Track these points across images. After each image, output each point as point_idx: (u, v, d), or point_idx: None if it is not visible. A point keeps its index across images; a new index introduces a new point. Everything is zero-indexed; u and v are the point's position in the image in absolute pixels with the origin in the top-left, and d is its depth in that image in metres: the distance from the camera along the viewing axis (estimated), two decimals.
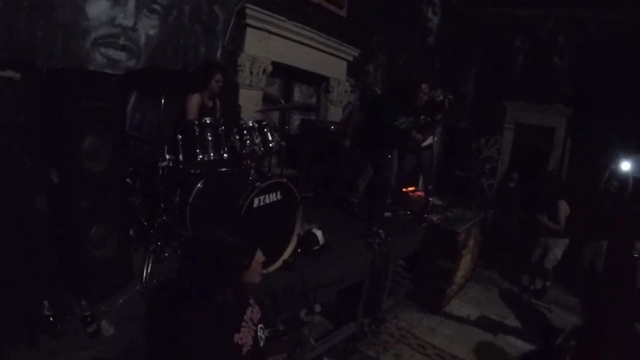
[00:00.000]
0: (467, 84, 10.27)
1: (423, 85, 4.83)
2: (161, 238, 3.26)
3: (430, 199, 5.97)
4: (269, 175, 3.86)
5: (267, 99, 5.65)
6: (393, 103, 4.80)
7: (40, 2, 3.32)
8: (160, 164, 3.31)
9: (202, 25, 4.64)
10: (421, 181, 7.14)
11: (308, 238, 3.91)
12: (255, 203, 3.23)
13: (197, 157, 3.35)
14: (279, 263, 3.50)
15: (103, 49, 3.84)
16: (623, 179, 6.56)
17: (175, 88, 3.68)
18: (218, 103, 4.24)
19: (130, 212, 3.25)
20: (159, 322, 1.75)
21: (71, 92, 2.36)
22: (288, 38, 5.62)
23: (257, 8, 4.99)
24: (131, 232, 3.23)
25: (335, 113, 6.88)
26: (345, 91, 6.99)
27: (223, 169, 3.62)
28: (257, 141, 3.66)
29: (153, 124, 4.18)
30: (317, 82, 6.77)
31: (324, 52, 6.30)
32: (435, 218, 5.62)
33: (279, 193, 3.48)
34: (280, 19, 5.33)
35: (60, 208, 2.43)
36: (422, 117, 5.24)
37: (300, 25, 5.69)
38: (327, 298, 3.96)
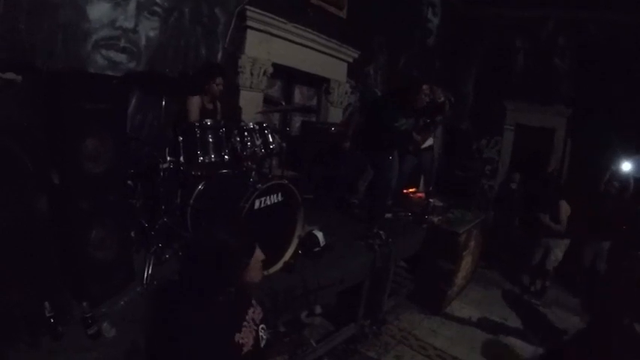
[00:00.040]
0: (467, 85, 10.27)
1: (424, 87, 4.83)
2: (162, 239, 3.26)
3: (431, 200, 5.98)
4: (270, 176, 3.85)
5: (267, 101, 5.65)
6: (394, 104, 4.80)
7: (40, 4, 3.33)
8: (160, 166, 3.30)
9: (203, 26, 4.65)
10: (422, 182, 7.14)
11: (309, 240, 3.91)
12: (256, 205, 3.24)
13: (198, 159, 3.35)
14: (279, 265, 3.50)
15: (103, 51, 3.85)
16: (623, 180, 6.56)
17: (176, 89, 3.68)
18: (219, 105, 4.25)
19: (130, 214, 3.25)
20: (159, 322, 1.76)
21: (72, 94, 2.36)
22: (288, 40, 5.62)
23: (257, 10, 5.00)
24: (132, 234, 3.23)
25: (335, 115, 6.88)
26: (346, 93, 6.99)
27: (224, 171, 3.62)
28: (258, 142, 3.65)
29: (153, 126, 4.18)
30: (317, 83, 6.77)
31: (325, 53, 6.31)
32: (435, 219, 5.62)
33: (280, 194, 3.48)
34: (281, 21, 5.33)
35: (61, 210, 2.44)
36: (422, 118, 5.25)
37: (301, 27, 5.69)
38: (328, 299, 3.96)
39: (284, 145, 4.01)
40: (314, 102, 6.94)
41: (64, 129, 2.36)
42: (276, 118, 6.25)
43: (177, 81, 4.07)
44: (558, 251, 6.12)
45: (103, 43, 3.83)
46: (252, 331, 1.79)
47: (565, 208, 5.99)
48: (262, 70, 5.29)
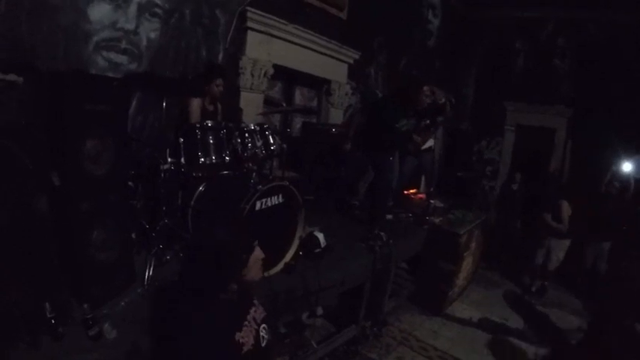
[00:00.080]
0: (467, 86, 10.29)
1: (425, 88, 4.83)
2: (163, 240, 3.26)
3: (432, 201, 5.98)
4: (271, 177, 3.85)
5: (268, 102, 5.65)
6: (395, 105, 4.81)
7: (41, 5, 3.33)
8: (161, 167, 3.31)
9: (203, 28, 4.65)
10: (423, 183, 7.14)
11: (309, 241, 3.91)
12: (257, 206, 3.24)
13: (199, 160, 3.35)
14: (280, 266, 3.50)
15: (104, 53, 3.85)
16: (624, 180, 6.56)
17: (177, 91, 3.69)
18: (219, 106, 4.25)
19: (131, 215, 3.26)
20: (159, 322, 1.76)
21: (73, 95, 2.36)
22: (289, 41, 5.62)
23: (258, 11, 5.00)
24: (133, 235, 3.23)
25: (336, 116, 6.88)
26: (346, 94, 6.99)
27: (225, 172, 3.63)
28: (258, 144, 3.65)
29: (154, 127, 4.18)
30: (318, 84, 6.77)
31: (325, 54, 6.31)
32: (436, 220, 5.62)
33: (280, 196, 3.48)
34: (281, 22, 5.33)
35: (61, 211, 2.43)
36: (423, 119, 5.25)
37: (301, 28, 5.69)
38: (329, 300, 3.95)
39: (285, 146, 4.01)
40: (314, 103, 6.93)
41: (65, 130, 2.36)
42: (276, 119, 6.26)
43: (178, 82, 4.08)
44: (560, 252, 6.14)
45: (104, 44, 3.83)
46: (253, 331, 1.79)
47: (566, 208, 6.01)
48: (263, 72, 5.29)
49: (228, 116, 4.31)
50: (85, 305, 2.26)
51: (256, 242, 1.82)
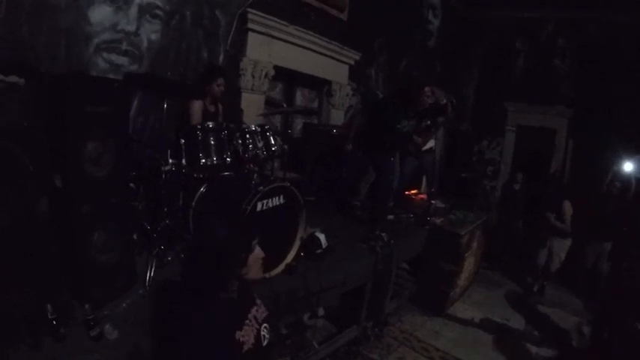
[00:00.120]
0: (468, 86, 10.30)
1: (426, 89, 4.84)
2: (164, 242, 3.26)
3: (433, 201, 5.98)
4: (272, 178, 3.85)
5: (269, 103, 5.66)
6: (395, 106, 4.81)
7: (42, 7, 3.34)
8: (162, 168, 3.30)
9: (204, 29, 4.66)
10: (424, 183, 7.14)
11: (311, 242, 3.91)
12: (259, 207, 3.23)
13: (200, 162, 3.35)
14: (282, 267, 3.49)
15: (105, 54, 3.86)
16: (625, 180, 6.55)
17: (178, 92, 3.69)
18: (220, 107, 4.25)
19: (133, 216, 3.25)
20: (161, 323, 1.77)
21: (74, 97, 2.36)
22: (289, 42, 5.63)
23: (259, 13, 5.01)
24: (134, 236, 3.23)
25: (337, 117, 6.88)
26: (347, 95, 6.99)
27: (226, 173, 3.63)
28: (260, 145, 3.66)
29: (155, 129, 4.19)
30: (319, 85, 6.78)
31: (326, 55, 6.32)
32: (437, 221, 5.62)
33: (282, 197, 3.48)
34: (282, 24, 5.34)
35: (63, 213, 2.44)
36: (424, 120, 5.25)
37: (302, 29, 5.70)
38: (330, 301, 3.95)
39: (286, 147, 4.01)
40: (315, 104, 6.94)
41: (66, 132, 2.37)
42: (277, 120, 6.27)
43: (179, 84, 4.08)
44: (561, 252, 6.15)
45: (105, 46, 3.84)
46: (254, 330, 1.79)
47: (569, 208, 6.01)
48: (264, 73, 5.30)
49: (229, 117, 4.31)
50: (87, 306, 2.27)
51: (256, 241, 1.82)
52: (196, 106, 3.87)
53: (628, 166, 6.92)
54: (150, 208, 3.53)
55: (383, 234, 4.54)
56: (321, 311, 4.03)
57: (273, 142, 3.78)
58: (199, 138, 3.37)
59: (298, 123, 6.55)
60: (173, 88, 3.56)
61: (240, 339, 1.71)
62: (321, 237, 3.97)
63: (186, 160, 3.36)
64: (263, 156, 3.70)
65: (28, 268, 2.19)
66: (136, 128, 4.07)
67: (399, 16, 7.72)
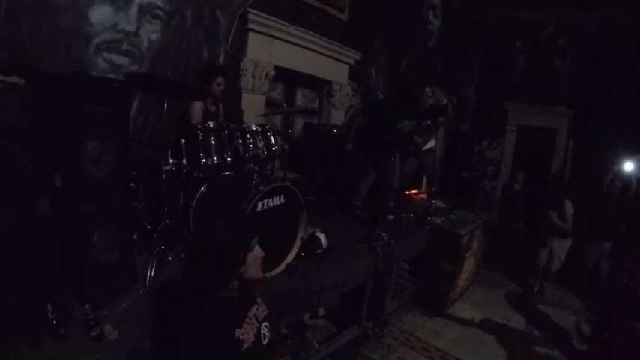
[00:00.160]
0: (468, 87, 10.30)
1: (427, 89, 4.83)
2: (164, 241, 3.26)
3: (433, 201, 5.98)
4: (272, 178, 3.85)
5: (269, 103, 5.66)
6: (396, 106, 4.80)
7: (43, 7, 3.34)
8: (163, 168, 3.30)
9: (204, 30, 4.66)
10: (424, 183, 7.14)
11: (311, 242, 3.91)
12: (259, 207, 3.23)
13: (200, 161, 3.35)
14: (282, 267, 3.49)
15: (105, 54, 3.86)
16: (625, 180, 6.55)
17: (178, 93, 3.69)
18: (221, 107, 4.25)
19: (133, 216, 3.25)
20: (161, 323, 1.77)
21: (74, 97, 2.36)
22: (290, 42, 5.63)
23: (259, 13, 5.01)
24: (134, 236, 3.23)
25: (337, 117, 6.88)
26: (347, 95, 7.00)
27: (226, 173, 3.63)
28: (260, 145, 3.66)
29: (156, 129, 4.19)
30: (319, 85, 6.78)
31: (326, 55, 6.32)
32: (438, 221, 5.62)
33: (282, 196, 3.48)
34: (282, 24, 5.34)
35: (63, 213, 2.44)
36: (424, 120, 5.25)
37: (302, 30, 5.71)
38: (331, 301, 3.95)
39: (286, 147, 4.01)
40: (316, 104, 6.94)
41: (66, 132, 2.37)
42: (278, 120, 6.27)
43: (179, 85, 4.08)
44: (562, 252, 6.16)
45: (105, 46, 3.84)
46: (254, 328, 1.80)
47: (570, 208, 6.02)
48: (264, 73, 5.30)
49: (229, 117, 4.31)
50: (87, 306, 2.27)
51: (255, 240, 1.83)
52: (197, 106, 3.87)
53: (628, 166, 6.92)
54: (150, 207, 3.53)
55: (383, 234, 4.55)
56: (321, 311, 4.03)
57: (273, 142, 3.78)
58: (200, 138, 3.37)
59: (299, 123, 6.55)
60: (173, 89, 3.55)
61: (240, 337, 1.72)
62: (322, 237, 3.97)
63: (186, 160, 3.36)
64: (263, 156, 3.70)
65: (28, 268, 2.19)
66: (136, 128, 4.07)
67: (400, 16, 7.73)
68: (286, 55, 5.61)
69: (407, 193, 6.54)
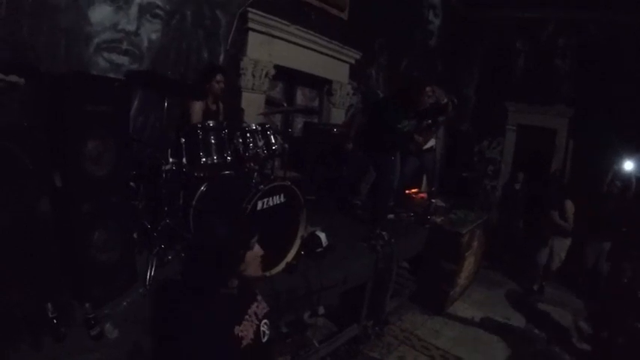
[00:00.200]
0: (468, 86, 10.29)
1: (427, 88, 4.83)
2: (164, 240, 3.26)
3: (433, 200, 5.98)
4: (272, 177, 3.85)
5: (269, 102, 5.66)
6: (396, 105, 4.80)
7: (43, 7, 3.34)
8: (163, 167, 3.30)
9: (204, 29, 4.66)
10: (424, 183, 7.14)
11: (311, 241, 3.91)
12: (259, 206, 3.23)
13: (200, 160, 3.35)
14: (282, 265, 3.49)
15: (105, 54, 3.86)
16: (626, 179, 6.55)
17: (178, 92, 3.69)
18: (221, 106, 4.25)
19: (133, 215, 3.25)
20: (161, 322, 1.78)
21: (74, 96, 2.36)
22: (290, 42, 5.63)
23: (259, 12, 5.01)
24: (134, 235, 3.23)
25: (337, 116, 6.89)
26: (348, 94, 7.00)
27: (227, 172, 3.63)
28: (260, 144, 3.65)
29: (156, 128, 4.20)
30: (319, 85, 6.78)
31: (327, 55, 6.32)
32: (438, 220, 5.62)
33: (282, 195, 3.48)
34: (283, 23, 5.35)
35: (63, 212, 2.43)
36: (425, 120, 5.25)
37: (303, 29, 5.71)
38: (331, 300, 3.96)
39: (286, 146, 4.01)
40: (316, 103, 6.95)
41: (66, 131, 2.36)
42: (278, 119, 6.27)
43: (179, 85, 4.09)
44: (562, 251, 6.16)
45: (105, 45, 3.84)
46: (253, 325, 1.80)
47: (570, 207, 6.02)
48: (264, 72, 5.30)
49: (229, 116, 4.32)
50: (87, 305, 2.27)
51: (255, 239, 1.83)
52: (197, 106, 3.87)
53: (628, 165, 6.92)
54: (150, 207, 3.53)
55: (383, 233, 4.55)
56: (321, 310, 4.04)
57: (273, 141, 3.77)
58: (200, 137, 3.36)
59: (299, 122, 6.55)
60: (174, 87, 3.56)
61: (239, 334, 1.72)
62: (322, 236, 3.97)
63: (186, 159, 3.36)
64: (263, 155, 3.70)
65: (28, 268, 2.19)
66: (136, 127, 4.07)
67: (400, 16, 7.72)
68: (286, 54, 5.61)
69: (407, 192, 6.54)
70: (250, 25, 5.02)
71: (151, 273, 2.92)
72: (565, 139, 9.14)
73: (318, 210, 4.76)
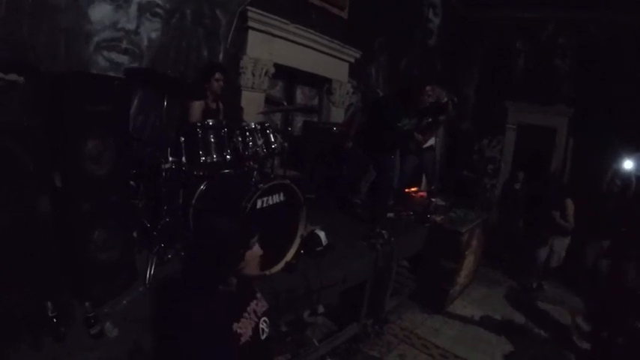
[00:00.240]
0: (468, 86, 10.29)
1: (427, 87, 4.83)
2: (164, 239, 3.26)
3: (433, 199, 5.98)
4: (272, 176, 3.85)
5: (269, 101, 5.66)
6: (396, 104, 4.81)
7: (42, 6, 3.34)
8: (162, 166, 3.30)
9: (204, 28, 4.66)
10: (424, 181, 7.14)
11: (311, 239, 3.91)
12: (259, 205, 3.23)
13: (200, 159, 3.35)
14: (282, 265, 3.49)
15: (105, 53, 3.86)
16: (625, 178, 6.55)
17: (178, 92, 3.69)
18: (221, 105, 4.26)
19: (133, 214, 3.25)
20: (161, 321, 1.78)
21: (74, 95, 2.36)
22: (290, 40, 5.63)
23: (259, 11, 5.01)
24: (134, 234, 3.23)
25: (337, 115, 6.89)
26: (347, 93, 7.00)
27: (226, 171, 3.62)
28: (260, 142, 3.65)
29: (155, 127, 4.20)
30: (319, 83, 6.78)
31: (326, 54, 6.32)
32: (438, 218, 5.62)
33: (282, 194, 3.48)
34: (282, 22, 5.34)
35: (63, 211, 2.44)
36: (425, 118, 5.25)
37: (302, 28, 5.70)
38: (330, 299, 3.96)
39: (286, 145, 4.01)
40: (316, 102, 6.95)
41: (66, 130, 2.36)
42: (277, 118, 6.26)
43: (179, 84, 4.09)
44: (562, 250, 6.17)
45: (105, 44, 3.84)
46: (252, 323, 1.81)
47: (571, 206, 6.03)
48: (264, 71, 5.30)
49: (229, 115, 4.32)
50: (87, 304, 2.27)
51: (255, 239, 1.84)
52: (197, 105, 3.88)
53: (628, 164, 6.91)
54: (150, 205, 3.53)
55: (383, 231, 4.55)
56: (321, 309, 4.04)
57: (273, 139, 3.77)
58: (199, 136, 3.37)
59: (298, 121, 6.55)
60: (173, 86, 3.55)
61: (238, 331, 1.73)
62: (321, 234, 3.97)
63: (186, 158, 3.36)
64: (263, 153, 3.70)
65: (28, 267, 2.19)
66: (136, 126, 4.08)
67: (400, 15, 7.72)
68: (286, 53, 5.61)
69: (407, 190, 6.54)
70: (250, 23, 5.02)
71: (150, 272, 2.92)
72: (565, 139, 9.14)
73: (317, 209, 4.75)
